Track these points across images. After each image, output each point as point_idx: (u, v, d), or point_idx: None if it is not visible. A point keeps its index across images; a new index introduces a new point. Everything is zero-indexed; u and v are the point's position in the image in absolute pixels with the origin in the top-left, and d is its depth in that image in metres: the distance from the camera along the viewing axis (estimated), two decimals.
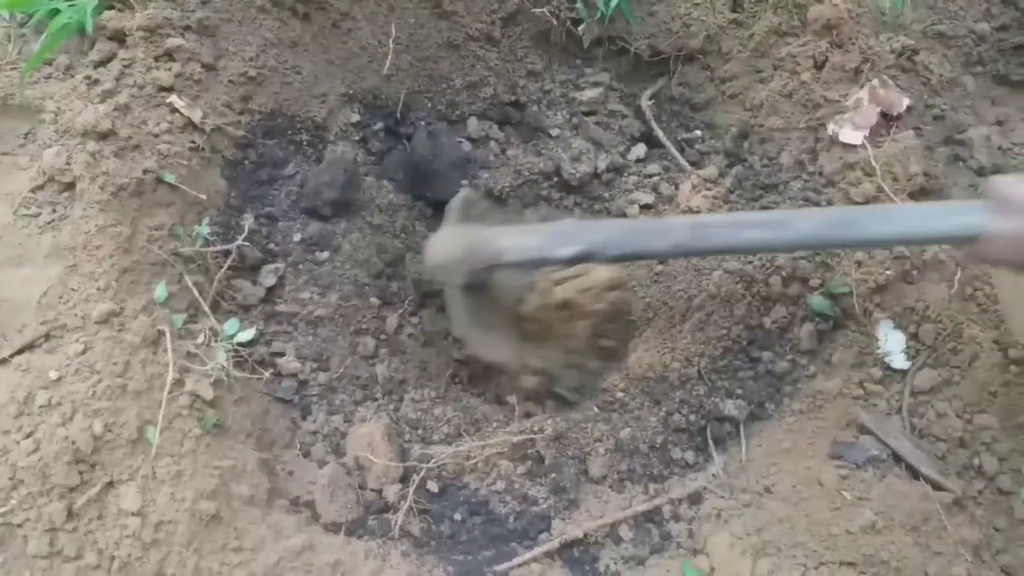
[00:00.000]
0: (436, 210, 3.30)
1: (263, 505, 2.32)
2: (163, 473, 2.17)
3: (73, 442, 2.12)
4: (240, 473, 2.31)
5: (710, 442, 2.46)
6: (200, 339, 2.45)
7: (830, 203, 2.69)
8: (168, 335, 2.34)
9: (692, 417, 2.48)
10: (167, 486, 2.14)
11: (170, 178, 2.59)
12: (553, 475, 2.52)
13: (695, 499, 2.33)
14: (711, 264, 2.74)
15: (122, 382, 2.25)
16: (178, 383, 2.30)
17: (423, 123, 3.24)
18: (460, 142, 3.24)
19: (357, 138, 3.17)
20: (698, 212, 2.80)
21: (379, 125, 3.22)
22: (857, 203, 2.60)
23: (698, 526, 2.24)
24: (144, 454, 2.19)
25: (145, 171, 2.54)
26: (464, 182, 3.21)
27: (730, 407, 2.47)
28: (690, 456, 2.47)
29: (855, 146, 2.72)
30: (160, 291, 2.44)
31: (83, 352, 2.27)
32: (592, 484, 2.52)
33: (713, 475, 2.36)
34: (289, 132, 3.06)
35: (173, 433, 2.22)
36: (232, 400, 2.43)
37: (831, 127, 2.77)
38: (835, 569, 2.14)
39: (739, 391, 2.62)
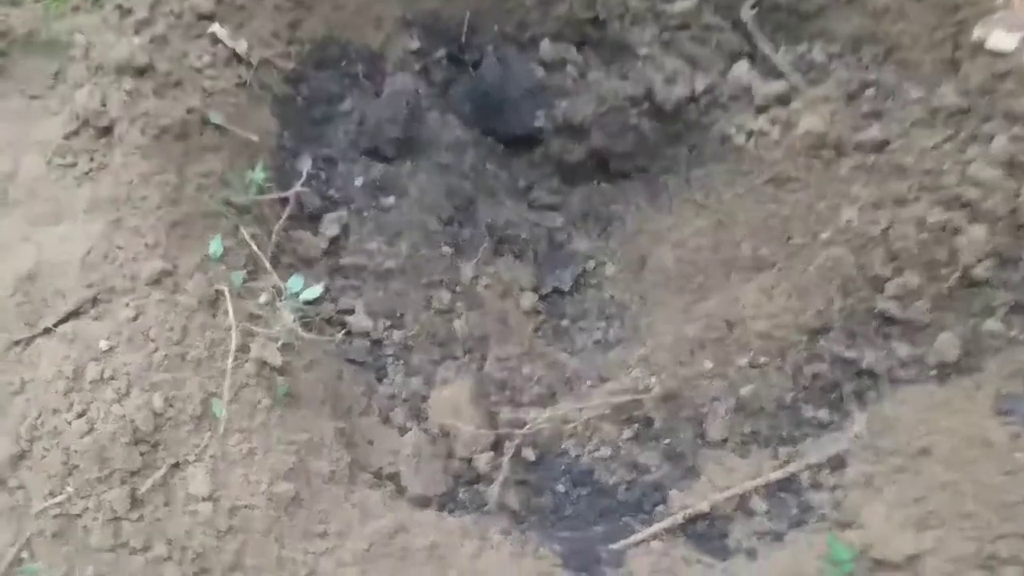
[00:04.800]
0: (508, 147, 2.96)
1: (345, 482, 2.11)
2: (234, 452, 1.96)
3: (131, 420, 1.89)
4: (318, 446, 2.09)
5: (848, 398, 2.21)
6: (263, 298, 2.18)
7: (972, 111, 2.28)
8: (228, 295, 2.07)
9: (824, 370, 2.24)
10: (240, 466, 1.93)
11: (217, 118, 2.33)
12: (666, 440, 2.29)
13: (837, 464, 2.10)
14: (838, 197, 2.35)
15: (181, 350, 2.01)
16: (243, 349, 2.07)
17: (490, 48, 2.90)
18: (532, 68, 2.88)
19: (418, 68, 2.87)
20: (817, 135, 2.41)
21: (441, 52, 2.92)
22: (1016, 118, 2.20)
23: (844, 495, 2.03)
24: (211, 431, 1.97)
25: (189, 110, 2.26)
26: (539, 112, 2.85)
27: (870, 358, 2.20)
28: (824, 414, 2.25)
29: (1007, 53, 2.31)
30: (215, 246, 2.18)
31: (135, 318, 2.02)
32: (711, 449, 2.27)
33: (855, 435, 2.12)
34: (343, 63, 2.76)
35: (242, 405, 2.02)
36: (302, 365, 2.21)
37: (977, 31, 2.37)
38: (1016, 544, 1.82)
39: (878, 340, 2.27)
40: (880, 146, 2.34)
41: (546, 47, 2.88)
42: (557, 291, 2.92)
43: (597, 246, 2.99)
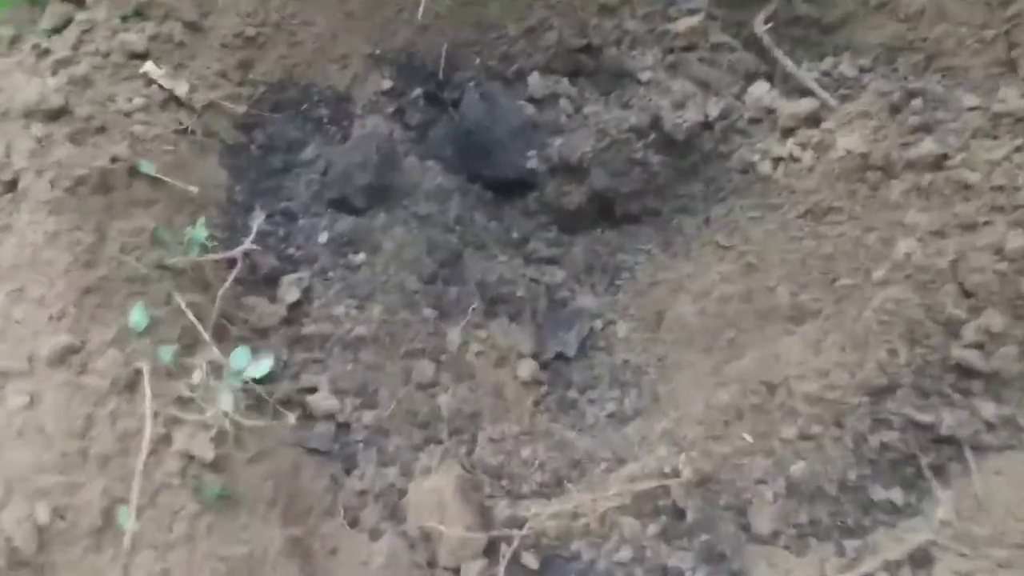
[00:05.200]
0: (497, 193, 2.62)
1: None
2: (144, 575, 1.49)
3: (8, 539, 1.46)
4: (260, 562, 1.72)
5: (927, 473, 1.87)
6: (196, 377, 1.80)
7: None
8: (146, 375, 1.67)
9: (894, 439, 1.89)
10: None
11: (149, 168, 2.07)
12: (702, 535, 1.87)
13: (922, 560, 1.75)
14: (891, 227, 1.97)
15: (82, 444, 1.67)
16: (164, 440, 1.75)
17: (472, 84, 2.61)
18: (520, 104, 2.58)
19: (391, 110, 2.61)
20: (859, 156, 2.04)
21: (417, 91, 2.63)
22: None
23: None
24: (114, 548, 1.59)
25: (114, 159, 2.00)
26: (530, 153, 2.52)
27: (949, 421, 1.87)
28: (898, 495, 1.88)
29: None
30: (138, 315, 1.84)
31: (28, 406, 1.62)
32: (760, 545, 1.87)
33: (941, 522, 1.78)
34: (304, 106, 2.50)
35: (158, 513, 1.67)
36: (245, 458, 1.88)
37: None
38: None
39: (957, 397, 1.83)
40: (937, 163, 1.99)
41: (535, 81, 2.64)
42: (561, 357, 2.58)
43: (605, 302, 2.66)
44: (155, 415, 1.70)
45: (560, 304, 2.67)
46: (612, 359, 2.58)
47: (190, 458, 1.71)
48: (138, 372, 1.76)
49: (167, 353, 1.86)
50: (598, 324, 2.62)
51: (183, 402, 1.79)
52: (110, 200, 1.96)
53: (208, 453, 1.72)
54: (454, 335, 2.40)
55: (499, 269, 2.61)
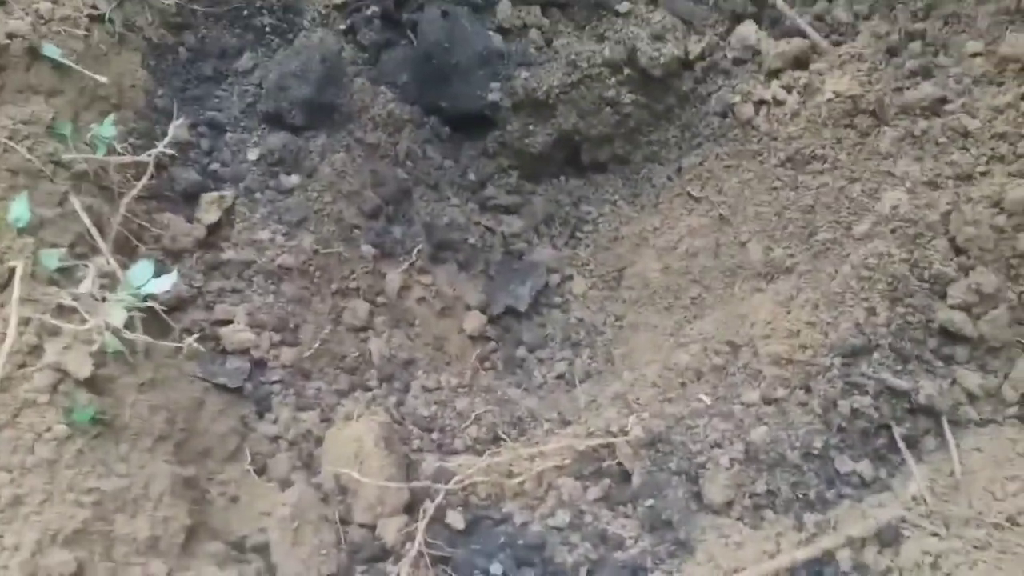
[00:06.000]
0: (455, 129, 2.42)
1: (174, 554, 1.53)
2: None
3: None
4: (137, 500, 1.45)
5: (900, 445, 1.71)
6: (84, 286, 1.55)
7: None
8: (18, 275, 1.43)
9: (866, 405, 1.72)
10: None
11: (53, 52, 1.83)
12: (648, 501, 1.72)
13: (890, 538, 1.60)
14: (879, 177, 1.80)
15: None
16: (34, 351, 1.50)
17: (434, 5, 2.35)
18: (486, 32, 2.35)
19: (343, 27, 2.38)
20: (849, 100, 1.86)
21: (373, 9, 2.39)
22: None
23: None
24: None
25: (10, 35, 1.70)
26: (493, 85, 2.31)
27: (928, 389, 1.71)
28: (867, 468, 1.73)
29: None
30: (18, 210, 1.62)
31: None
32: (711, 515, 1.71)
33: (913, 498, 1.64)
34: (246, 12, 2.28)
35: (17, 432, 1.45)
36: (134, 384, 1.66)
37: None
38: None
39: (938, 364, 1.67)
40: (934, 108, 1.84)
41: (504, 8, 2.47)
42: (511, 311, 2.43)
43: (564, 256, 2.51)
44: (25, 322, 1.46)
45: (515, 255, 2.51)
46: (566, 317, 2.44)
47: (63, 373, 1.49)
48: (11, 271, 1.52)
49: (51, 257, 1.62)
50: (554, 279, 2.48)
51: (63, 312, 1.55)
52: (2, 80, 1.72)
53: (84, 369, 1.51)
54: (394, 277, 2.23)
55: (451, 212, 2.44)
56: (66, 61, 1.84)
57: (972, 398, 1.71)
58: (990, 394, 1.72)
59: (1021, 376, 1.69)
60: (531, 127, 2.36)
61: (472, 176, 2.49)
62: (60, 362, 1.50)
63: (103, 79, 1.87)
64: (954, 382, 1.71)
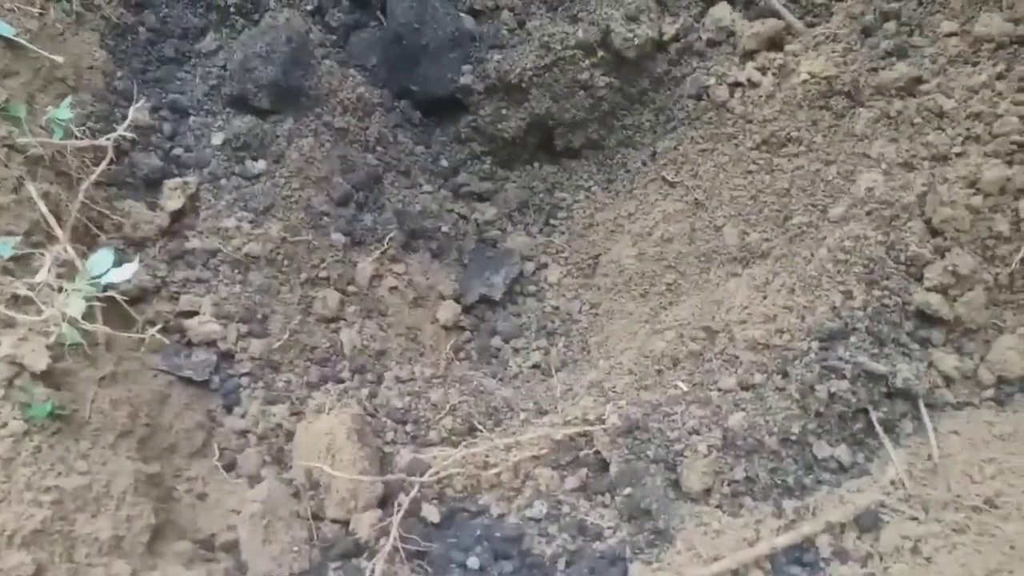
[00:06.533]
0: (427, 114, 2.36)
1: (139, 553, 1.47)
2: None
3: None
4: (99, 498, 1.40)
5: (878, 429, 1.68)
6: (40, 275, 1.49)
7: None
8: None
9: (843, 390, 1.69)
10: None
11: (6, 31, 1.79)
12: (626, 490, 1.67)
13: (869, 523, 1.58)
14: (855, 159, 1.78)
15: None
16: None
17: None
18: (457, 14, 2.29)
19: (310, 7, 2.31)
20: (824, 80, 1.85)
21: None
22: None
23: (882, 568, 1.51)
24: None
25: None
26: (465, 68, 2.26)
27: (905, 372, 1.69)
28: (844, 454, 1.71)
29: None
30: None
31: None
32: (689, 503, 1.67)
33: (892, 483, 1.62)
34: None
35: None
36: (93, 377, 1.62)
37: None
38: None
39: (915, 347, 1.66)
40: (909, 88, 1.82)
41: None
42: (486, 300, 2.39)
43: (538, 244, 2.47)
44: None
45: (489, 243, 2.48)
46: (541, 305, 2.40)
47: (18, 367, 1.42)
48: None
49: (5, 245, 1.56)
50: (529, 267, 2.44)
51: (18, 302, 1.48)
52: None
53: (40, 362, 1.46)
54: (365, 266, 2.18)
55: (423, 199, 2.40)
56: (20, 40, 1.78)
57: (949, 381, 1.69)
58: (967, 376, 1.70)
59: (997, 358, 1.67)
60: (504, 111, 2.31)
61: (444, 162, 2.44)
62: (15, 355, 1.46)
63: (59, 59, 1.82)
64: (931, 365, 1.69)
